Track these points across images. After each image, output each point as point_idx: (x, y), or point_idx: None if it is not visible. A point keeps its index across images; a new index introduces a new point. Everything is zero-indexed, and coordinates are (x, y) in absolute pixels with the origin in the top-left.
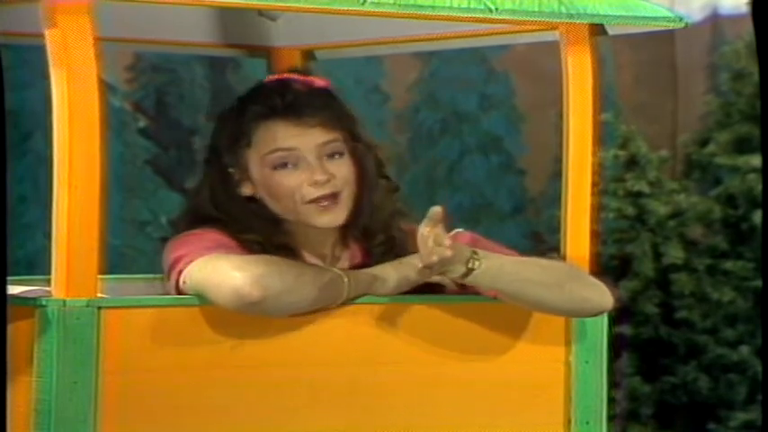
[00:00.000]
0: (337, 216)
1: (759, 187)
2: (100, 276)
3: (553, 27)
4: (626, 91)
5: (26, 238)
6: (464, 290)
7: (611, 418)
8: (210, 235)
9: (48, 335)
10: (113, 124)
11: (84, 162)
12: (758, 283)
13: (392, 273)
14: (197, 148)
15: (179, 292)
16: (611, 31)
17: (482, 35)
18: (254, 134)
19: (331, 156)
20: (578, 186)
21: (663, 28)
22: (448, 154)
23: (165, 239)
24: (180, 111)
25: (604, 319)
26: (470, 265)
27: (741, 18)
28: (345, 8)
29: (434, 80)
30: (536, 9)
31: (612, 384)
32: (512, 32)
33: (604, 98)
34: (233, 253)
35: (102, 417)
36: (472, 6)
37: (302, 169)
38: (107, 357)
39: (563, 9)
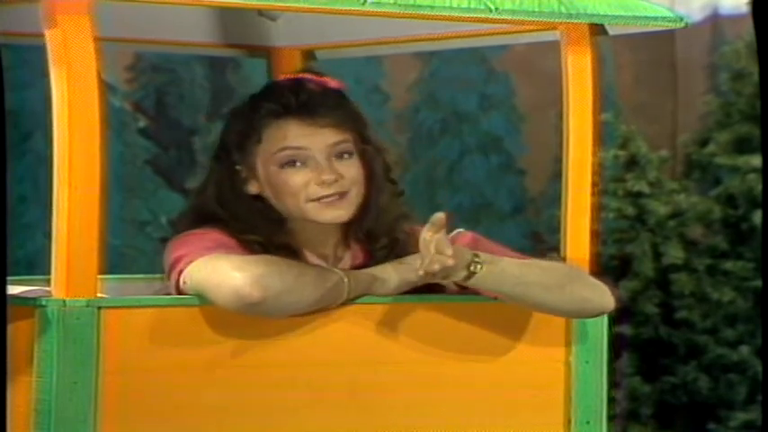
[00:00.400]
0: (343, 212)
1: (759, 187)
2: (100, 276)
3: (553, 27)
4: (626, 91)
5: (26, 238)
6: (464, 290)
7: (611, 418)
8: (211, 235)
9: (48, 335)
10: (113, 124)
11: (84, 162)
12: (758, 283)
13: (392, 273)
14: (197, 148)
15: (179, 291)
16: (611, 31)
17: (482, 35)
18: (265, 131)
19: (340, 156)
20: (578, 186)
21: (663, 28)
22: (448, 154)
23: (165, 239)
24: (180, 111)
25: (604, 319)
26: (472, 269)
27: (741, 18)
28: (345, 8)
29: (434, 80)
30: (536, 9)
31: (612, 384)
32: (512, 32)
33: (604, 98)
34: (233, 253)
35: (102, 417)
36: (472, 6)
37: (311, 168)
38: (107, 357)
39: (563, 9)
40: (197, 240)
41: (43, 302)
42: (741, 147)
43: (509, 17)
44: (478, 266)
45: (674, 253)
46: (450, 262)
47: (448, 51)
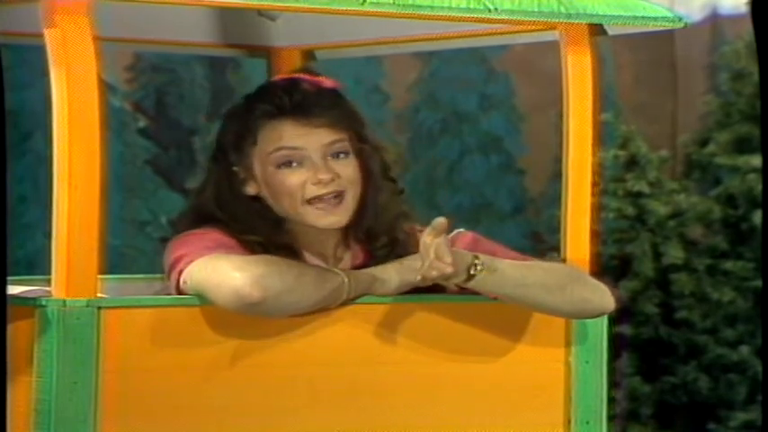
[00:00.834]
0: (340, 218)
1: (759, 187)
2: (100, 276)
3: (552, 27)
4: (626, 91)
5: (26, 238)
6: (464, 290)
7: (611, 418)
8: (211, 235)
9: (48, 335)
10: (113, 124)
11: (84, 162)
12: (758, 283)
13: (393, 273)
14: (197, 148)
15: (179, 291)
16: (610, 31)
17: (482, 35)
18: (260, 132)
19: (336, 155)
20: (578, 186)
21: (663, 28)
22: (448, 154)
23: (165, 239)
24: (180, 111)
25: (604, 319)
26: (471, 272)
27: (741, 18)
28: (345, 8)
29: (434, 80)
30: (535, 9)
31: (612, 384)
32: (511, 32)
33: (604, 98)
34: (233, 253)
35: (102, 417)
36: (472, 6)
37: (306, 168)
38: (107, 357)
39: (562, 9)
40: (197, 240)
41: (43, 302)
42: (741, 147)
43: (508, 17)
44: (478, 269)
45: (674, 253)
46: (449, 270)
47: (448, 51)
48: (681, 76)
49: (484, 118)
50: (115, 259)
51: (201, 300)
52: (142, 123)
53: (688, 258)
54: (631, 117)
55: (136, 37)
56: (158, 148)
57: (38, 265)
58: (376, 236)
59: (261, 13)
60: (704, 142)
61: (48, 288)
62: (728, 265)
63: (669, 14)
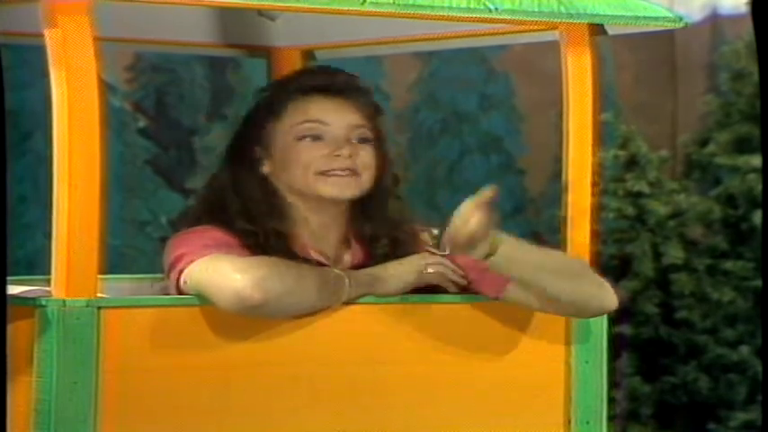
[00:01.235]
0: (352, 190)
1: (759, 187)
2: (100, 276)
3: (553, 27)
4: (626, 91)
5: (26, 238)
6: (465, 290)
7: (611, 418)
8: (211, 233)
9: (48, 335)
10: (113, 124)
11: (84, 162)
12: (758, 283)
13: (393, 273)
14: (197, 148)
15: (179, 291)
16: (611, 31)
17: (482, 35)
18: (289, 106)
19: (359, 140)
20: (578, 186)
21: (663, 28)
22: (448, 154)
23: (165, 239)
24: (180, 111)
25: (604, 319)
26: (490, 250)
27: (741, 18)
28: (345, 8)
29: (434, 80)
30: (535, 9)
31: (612, 384)
32: (511, 32)
33: (604, 98)
34: (233, 252)
35: (102, 417)
36: (472, 6)
37: (327, 143)
38: (107, 357)
39: (562, 9)
40: (196, 239)
41: (43, 302)
42: (741, 147)
43: (509, 17)
44: (501, 241)
45: (674, 253)
46: (463, 282)
47: (448, 51)
48: (681, 76)
49: (484, 118)
50: (115, 259)
51: (201, 300)
52: (142, 123)
53: (688, 258)
54: (631, 117)
55: (136, 37)
56: (158, 148)
57: (38, 265)
58: (377, 237)
59: (261, 13)
60: (704, 142)
61: (48, 288)
62: (728, 265)
63: (669, 14)
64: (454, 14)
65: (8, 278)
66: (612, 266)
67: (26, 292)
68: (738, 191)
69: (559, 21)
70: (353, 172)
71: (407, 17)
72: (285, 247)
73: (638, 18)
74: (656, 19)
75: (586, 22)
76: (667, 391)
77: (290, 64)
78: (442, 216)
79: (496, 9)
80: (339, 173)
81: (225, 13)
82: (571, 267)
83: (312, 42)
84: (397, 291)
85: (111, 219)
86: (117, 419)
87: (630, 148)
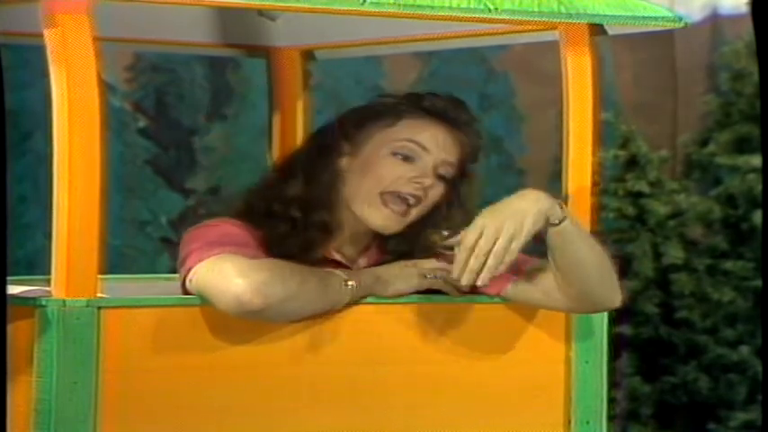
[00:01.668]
0: (396, 226)
1: (759, 187)
2: (100, 276)
3: (552, 27)
4: (626, 91)
5: (26, 238)
6: (465, 291)
7: (611, 418)
8: (221, 228)
9: (48, 335)
10: (113, 124)
11: (84, 162)
12: (758, 283)
13: (397, 275)
14: (197, 148)
15: (185, 290)
16: (611, 31)
17: (482, 35)
18: (404, 120)
19: (440, 176)
20: (578, 186)
21: (663, 28)
22: None
23: (165, 239)
24: (180, 111)
25: (604, 318)
26: (562, 214)
27: (741, 18)
28: (345, 8)
29: (434, 80)
30: (535, 9)
31: (612, 384)
32: (511, 32)
33: (604, 98)
34: (243, 247)
35: (102, 417)
36: (472, 6)
37: (413, 167)
38: (107, 357)
39: (562, 9)
40: (203, 236)
41: (43, 302)
42: (741, 147)
43: (508, 17)
44: (566, 212)
45: (674, 253)
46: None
47: (448, 51)
48: (681, 76)
49: (484, 118)
50: (115, 259)
51: (202, 300)
52: (142, 123)
53: (688, 258)
54: (631, 117)
55: (136, 37)
56: (158, 148)
57: (38, 265)
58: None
59: (261, 13)
60: (704, 142)
61: (48, 288)
62: (728, 265)
63: (669, 14)
64: (454, 14)
65: (8, 278)
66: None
67: (26, 292)
68: (738, 191)
69: (559, 21)
70: (416, 202)
71: (407, 17)
72: (310, 242)
73: (638, 18)
74: (656, 19)
75: (586, 22)
76: (667, 391)
77: (290, 64)
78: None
79: (496, 9)
80: (402, 199)
81: (225, 13)
82: (606, 259)
83: (312, 42)
84: (397, 294)
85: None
86: (117, 419)
87: (630, 148)
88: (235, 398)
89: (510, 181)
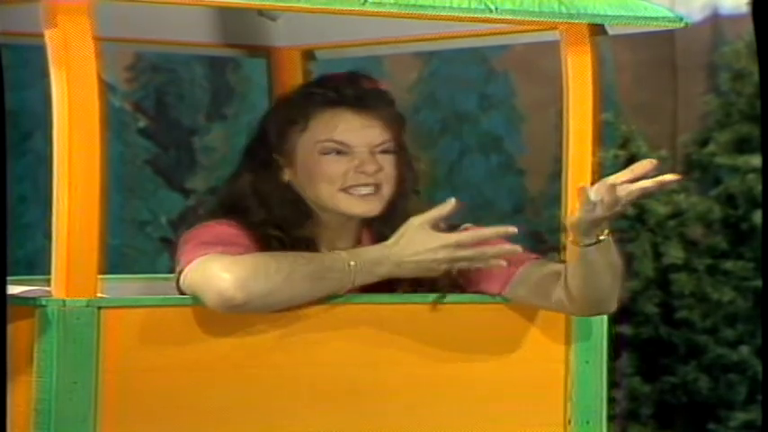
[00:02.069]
0: (374, 206)
1: (759, 187)
2: (100, 276)
3: (553, 27)
4: (626, 91)
5: (26, 238)
6: (465, 290)
7: (611, 418)
8: (219, 228)
9: (48, 335)
10: (113, 124)
11: (84, 162)
12: (758, 283)
13: (407, 253)
14: (197, 148)
15: (180, 291)
16: (611, 31)
17: (482, 35)
18: (314, 119)
19: (383, 152)
20: (578, 186)
21: (663, 28)
22: (448, 154)
23: (165, 239)
24: (180, 111)
25: (604, 319)
26: (601, 237)
27: (741, 18)
28: (345, 8)
29: (434, 80)
30: (536, 9)
31: (612, 384)
32: (512, 32)
33: (604, 98)
34: (236, 246)
35: (102, 417)
36: (472, 6)
37: (351, 158)
38: (107, 357)
39: (563, 9)
40: (196, 237)
41: (43, 302)
42: (741, 147)
43: (509, 17)
44: (605, 234)
45: (674, 253)
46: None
47: (448, 51)
48: (681, 76)
49: (484, 118)
50: (115, 259)
51: (200, 300)
52: (142, 123)
53: (688, 258)
54: (631, 117)
55: (136, 37)
56: (158, 148)
57: (38, 265)
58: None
59: (261, 13)
60: (704, 142)
61: (48, 288)
62: (728, 265)
63: (669, 14)
64: (454, 14)
65: (8, 278)
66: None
67: (26, 292)
68: (738, 191)
69: (559, 21)
70: (378, 187)
71: (407, 17)
72: (302, 243)
73: (638, 18)
74: (657, 19)
75: (586, 22)
76: (667, 391)
77: (290, 64)
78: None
79: (497, 9)
80: (363, 189)
81: (225, 13)
82: (620, 270)
83: (312, 42)
84: (396, 268)
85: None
86: (117, 419)
87: (630, 148)
88: (235, 398)
89: (510, 181)
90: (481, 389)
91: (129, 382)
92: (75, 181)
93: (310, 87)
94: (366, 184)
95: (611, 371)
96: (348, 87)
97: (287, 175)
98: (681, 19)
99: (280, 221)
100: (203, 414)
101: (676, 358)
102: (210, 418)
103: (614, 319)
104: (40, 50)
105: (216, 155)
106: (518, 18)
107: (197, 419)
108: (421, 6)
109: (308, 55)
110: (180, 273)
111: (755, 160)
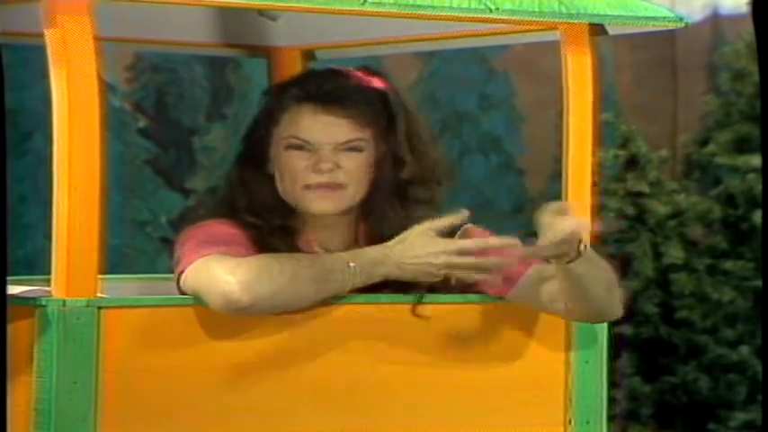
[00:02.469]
0: (333, 205)
1: (759, 187)
2: (100, 276)
3: (553, 27)
4: (626, 91)
5: (26, 238)
6: (465, 290)
7: (611, 418)
8: (218, 227)
9: (48, 335)
10: (113, 124)
11: (84, 162)
12: (758, 283)
13: (408, 255)
14: (197, 148)
15: (180, 291)
16: (611, 31)
17: (482, 35)
18: (284, 114)
19: (348, 149)
20: (578, 186)
21: (663, 28)
22: (448, 154)
23: (165, 239)
24: (180, 111)
25: None
26: (581, 248)
27: (741, 18)
28: (345, 8)
29: (434, 80)
30: (536, 9)
31: (612, 384)
32: (512, 32)
33: (604, 98)
34: (235, 245)
35: (102, 417)
36: (472, 6)
37: (310, 155)
38: (107, 357)
39: (563, 9)
40: (195, 236)
41: (43, 302)
42: (741, 147)
43: (509, 17)
44: (585, 248)
45: (674, 253)
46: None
47: (448, 51)
48: (681, 76)
49: (484, 118)
50: (115, 259)
51: (201, 300)
52: (142, 123)
53: (688, 258)
54: (631, 117)
55: (136, 37)
56: (158, 148)
57: (38, 265)
58: (390, 237)
59: (261, 13)
60: (704, 142)
61: (48, 288)
62: (728, 265)
63: (669, 14)
64: (454, 14)
65: (8, 278)
66: (612, 266)
67: (26, 292)
68: (738, 191)
69: (559, 21)
70: (338, 186)
71: (407, 17)
72: (291, 243)
73: (638, 18)
74: (657, 19)
75: (586, 22)
76: (667, 391)
77: (291, 64)
78: (441, 216)
79: (497, 9)
80: (321, 188)
81: (225, 13)
82: (613, 276)
83: (312, 42)
84: (406, 277)
85: (111, 219)
86: (117, 419)
87: (630, 148)
88: (235, 398)
89: (510, 181)
90: (481, 389)
91: (129, 382)
92: (75, 181)
93: (289, 82)
94: (323, 183)
95: (611, 371)
96: (319, 84)
97: (270, 169)
98: (681, 19)
99: (263, 212)
100: (203, 414)
101: (676, 358)
102: (210, 418)
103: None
104: (40, 50)
105: (216, 155)
106: (518, 18)
107: (197, 419)
108: (421, 6)
109: (308, 55)
110: (180, 273)
111: (755, 160)
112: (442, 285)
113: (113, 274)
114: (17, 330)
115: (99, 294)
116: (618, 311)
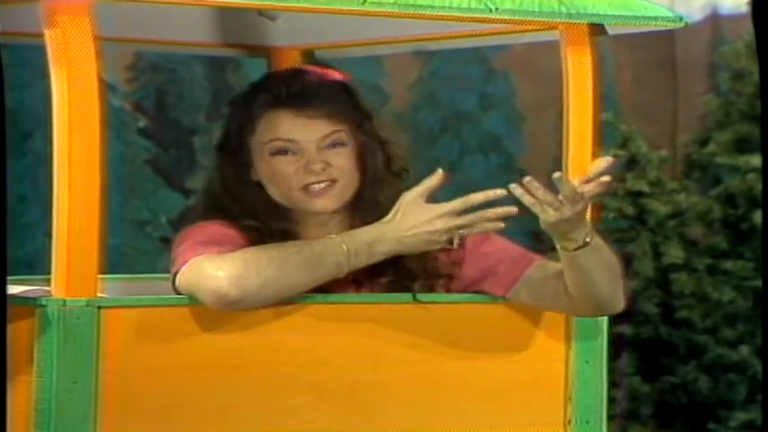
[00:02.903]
0: (330, 202)
1: (759, 187)
2: (100, 276)
3: (553, 27)
4: (626, 91)
5: (26, 238)
6: (465, 290)
7: (611, 418)
8: (208, 228)
9: (48, 335)
10: (113, 124)
11: (84, 162)
12: (758, 283)
13: (402, 228)
14: (197, 148)
15: (177, 292)
16: (611, 31)
17: (482, 35)
18: (258, 122)
19: (332, 145)
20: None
21: (663, 28)
22: (448, 154)
23: (165, 239)
24: (180, 111)
25: (604, 318)
26: (587, 239)
27: (741, 18)
28: (345, 8)
29: (434, 80)
30: (536, 9)
31: (612, 384)
32: (512, 32)
33: (604, 98)
34: (230, 245)
35: (102, 417)
36: (472, 6)
37: (299, 156)
38: (107, 357)
39: (563, 9)
40: (190, 237)
41: (43, 302)
42: (741, 146)
43: (509, 17)
44: (592, 237)
45: (674, 253)
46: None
47: (448, 51)
48: (681, 76)
49: (484, 118)
50: (115, 259)
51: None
52: (142, 123)
53: (688, 258)
54: (631, 117)
55: (136, 37)
56: (158, 148)
57: (38, 265)
58: None
59: (261, 13)
60: (704, 142)
61: (48, 288)
62: (728, 264)
63: (669, 14)
64: (454, 14)
65: (8, 278)
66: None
67: (26, 292)
68: (738, 190)
69: (559, 21)
70: (332, 182)
71: (407, 17)
72: (286, 237)
73: (638, 18)
74: (657, 19)
75: (586, 22)
76: (667, 391)
77: (291, 64)
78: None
79: (497, 9)
80: (317, 186)
81: (225, 13)
82: (618, 270)
83: (312, 42)
84: (408, 251)
85: (111, 219)
86: (117, 419)
87: (630, 148)
88: (235, 398)
89: (510, 181)
90: (481, 388)
91: (129, 382)
92: (75, 181)
93: (253, 89)
94: (318, 182)
95: (611, 371)
96: (284, 87)
97: (254, 175)
98: (681, 19)
99: (255, 216)
100: (203, 414)
101: (676, 358)
102: (210, 417)
103: (614, 319)
104: (40, 50)
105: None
106: (518, 18)
107: (197, 419)
108: (421, 6)
109: (308, 55)
110: (175, 273)
111: (755, 160)
112: (442, 285)
113: (113, 274)
114: (17, 330)
115: (99, 294)
116: (620, 304)
